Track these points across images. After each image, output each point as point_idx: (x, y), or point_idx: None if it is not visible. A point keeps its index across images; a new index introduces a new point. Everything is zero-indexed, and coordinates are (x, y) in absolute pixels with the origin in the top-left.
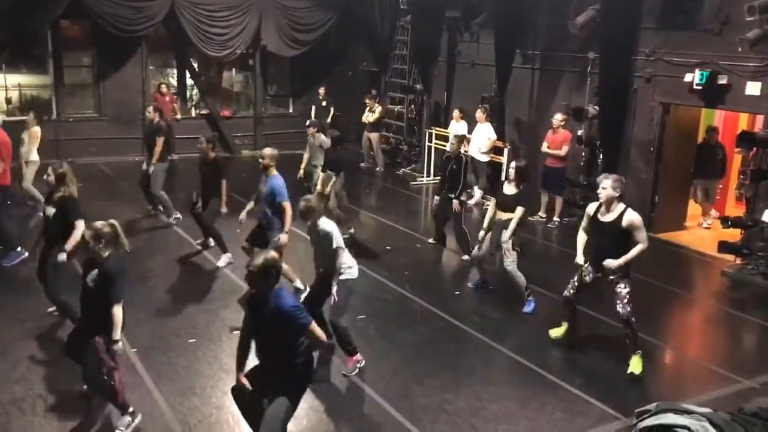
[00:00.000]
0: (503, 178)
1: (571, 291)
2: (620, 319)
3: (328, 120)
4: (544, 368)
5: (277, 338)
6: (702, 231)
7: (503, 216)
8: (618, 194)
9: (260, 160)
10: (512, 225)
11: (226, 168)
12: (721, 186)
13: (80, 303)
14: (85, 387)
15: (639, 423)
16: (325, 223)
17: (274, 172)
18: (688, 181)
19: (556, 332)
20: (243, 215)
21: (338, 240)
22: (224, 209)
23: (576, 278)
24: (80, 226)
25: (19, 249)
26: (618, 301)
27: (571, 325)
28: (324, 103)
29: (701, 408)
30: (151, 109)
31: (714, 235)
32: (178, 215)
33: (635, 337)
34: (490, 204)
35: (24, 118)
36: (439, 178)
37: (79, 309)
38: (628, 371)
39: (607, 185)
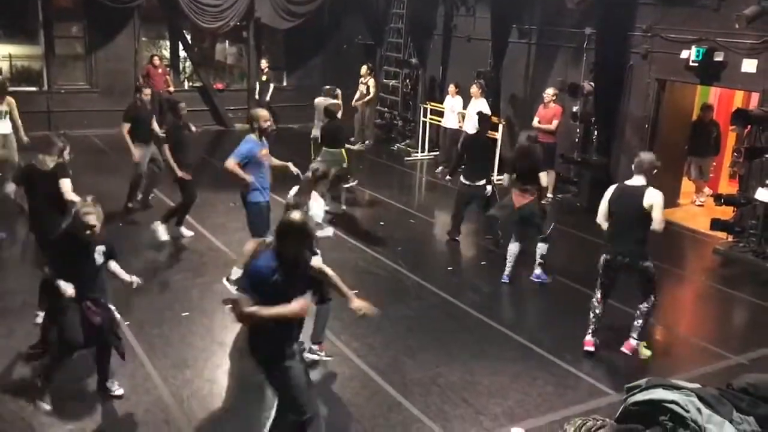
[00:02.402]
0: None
1: None
2: None
3: (268, 98)
4: (535, 343)
5: None
6: (695, 208)
7: None
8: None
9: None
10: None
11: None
12: (714, 163)
13: (77, 279)
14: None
15: (629, 398)
16: (315, 205)
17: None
18: (682, 159)
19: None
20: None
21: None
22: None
23: None
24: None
25: None
26: None
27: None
28: (264, 78)
29: (690, 383)
30: (149, 91)
31: (707, 212)
32: None
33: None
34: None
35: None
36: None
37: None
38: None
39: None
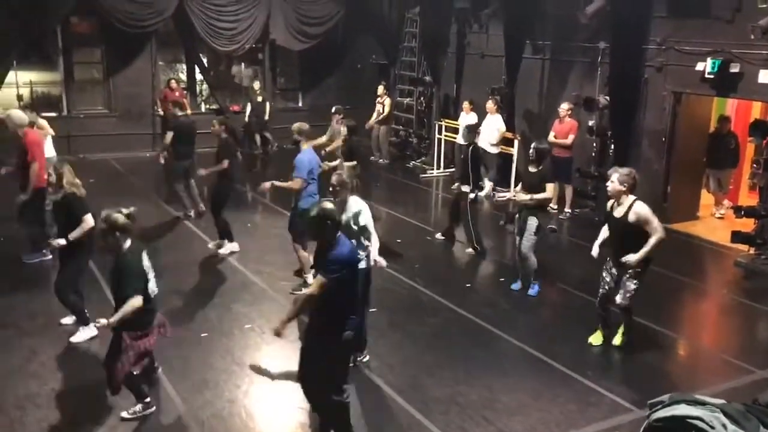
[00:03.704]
0: (529, 160)
1: (607, 288)
2: (618, 306)
3: (266, 117)
4: (555, 359)
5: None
6: (715, 221)
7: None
8: (624, 188)
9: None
10: (538, 196)
11: (233, 149)
12: (734, 175)
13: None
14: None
15: (652, 414)
16: (356, 203)
17: (304, 146)
18: (700, 171)
19: (594, 339)
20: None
21: (366, 218)
22: (202, 171)
23: (604, 275)
24: (88, 220)
25: (44, 251)
26: (622, 291)
27: (608, 328)
28: (260, 99)
29: (715, 399)
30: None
31: (727, 224)
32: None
33: (629, 323)
34: (518, 188)
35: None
36: (452, 169)
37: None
38: (612, 342)
39: (614, 179)
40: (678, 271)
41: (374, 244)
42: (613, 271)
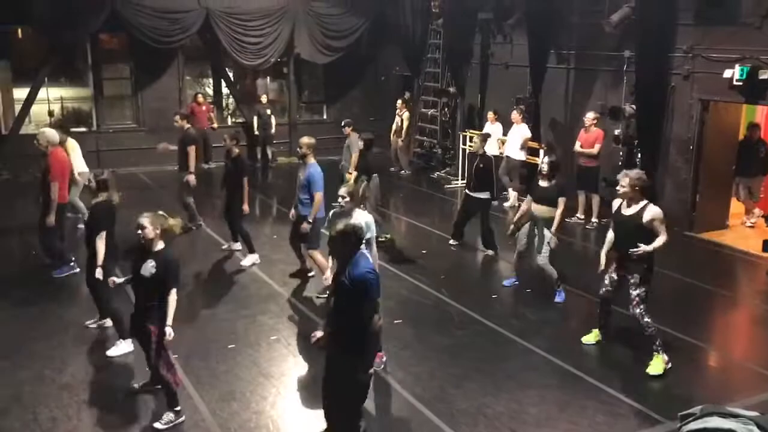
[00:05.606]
0: (538, 175)
1: (605, 290)
2: (637, 320)
3: (273, 131)
4: (583, 371)
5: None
6: (746, 230)
7: (542, 212)
8: (636, 191)
9: (298, 149)
10: (557, 218)
11: (248, 166)
12: (764, 183)
13: (134, 292)
14: (136, 385)
15: (683, 426)
16: (360, 216)
17: (311, 159)
18: (729, 179)
19: (587, 339)
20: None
21: (370, 232)
22: (246, 207)
23: (605, 279)
24: (102, 238)
25: (72, 263)
26: (631, 301)
27: (605, 327)
28: (269, 112)
29: (748, 411)
30: (177, 117)
31: (758, 233)
32: (201, 222)
33: (653, 338)
34: (525, 200)
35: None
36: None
37: (134, 298)
38: (647, 370)
39: (625, 183)
40: (709, 282)
41: (374, 257)
42: (613, 275)
